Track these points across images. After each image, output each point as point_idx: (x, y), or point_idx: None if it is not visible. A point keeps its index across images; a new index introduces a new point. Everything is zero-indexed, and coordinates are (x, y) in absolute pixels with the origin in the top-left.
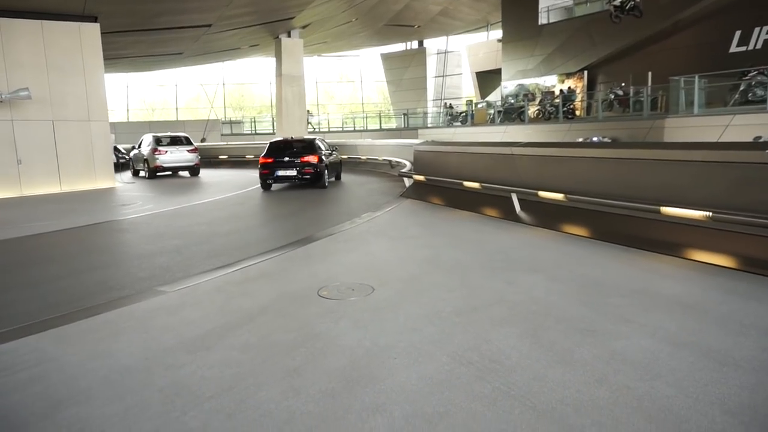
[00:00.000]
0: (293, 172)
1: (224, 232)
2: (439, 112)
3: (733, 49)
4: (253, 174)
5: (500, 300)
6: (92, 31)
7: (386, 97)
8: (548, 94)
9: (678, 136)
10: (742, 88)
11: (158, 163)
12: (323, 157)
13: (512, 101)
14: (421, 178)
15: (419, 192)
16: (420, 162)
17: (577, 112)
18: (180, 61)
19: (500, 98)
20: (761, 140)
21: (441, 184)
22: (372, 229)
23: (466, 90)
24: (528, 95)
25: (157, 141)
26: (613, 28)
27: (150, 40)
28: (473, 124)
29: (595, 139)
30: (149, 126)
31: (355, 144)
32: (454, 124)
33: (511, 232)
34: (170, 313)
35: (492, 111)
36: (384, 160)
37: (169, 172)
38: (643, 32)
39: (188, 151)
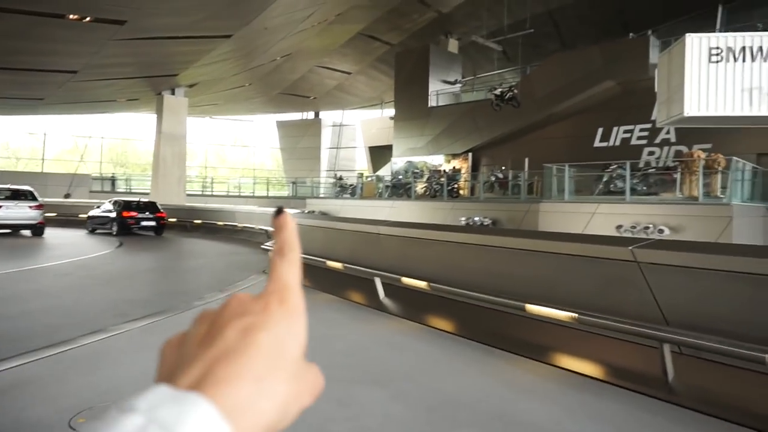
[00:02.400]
0: (153, 223)
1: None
2: (331, 183)
3: (597, 143)
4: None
5: None
6: None
7: (280, 164)
8: (435, 172)
9: (551, 219)
10: (605, 179)
11: None
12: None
13: (401, 177)
14: None
15: None
16: None
17: (462, 192)
18: (44, 108)
19: (390, 173)
20: (622, 229)
21: (305, 262)
22: None
23: (360, 163)
24: (416, 172)
25: None
26: (495, 115)
27: (2, 80)
28: (362, 197)
29: (476, 219)
30: (4, 176)
31: (233, 211)
32: (344, 195)
33: (369, 323)
34: None
35: (381, 185)
36: (260, 229)
37: (7, 230)
38: (521, 121)
39: (31, 207)
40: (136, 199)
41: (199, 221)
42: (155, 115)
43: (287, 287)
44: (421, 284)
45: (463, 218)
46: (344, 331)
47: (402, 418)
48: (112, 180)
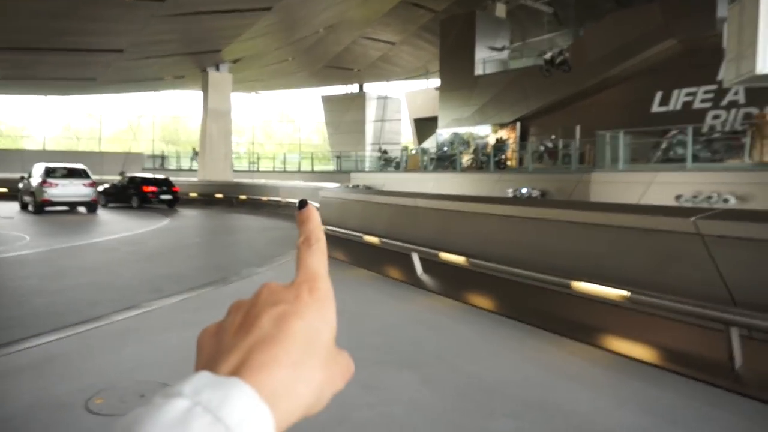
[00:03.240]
0: (170, 197)
1: (53, 290)
2: (376, 157)
3: (655, 108)
4: (156, 212)
5: (342, 420)
6: None
7: (326, 139)
8: (481, 143)
9: (604, 190)
10: (663, 146)
11: (46, 196)
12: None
13: (446, 149)
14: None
15: None
16: (325, 209)
17: (509, 163)
18: (97, 88)
19: (435, 145)
20: (682, 199)
21: (343, 237)
22: (241, 291)
23: (405, 136)
24: (462, 143)
25: (48, 172)
26: (545, 82)
27: (54, 62)
28: (406, 170)
29: (524, 190)
30: (63, 155)
31: (277, 186)
32: (388, 169)
33: (405, 301)
34: None
35: (426, 158)
36: None
37: (63, 207)
38: (573, 87)
39: (84, 185)
40: (151, 175)
41: (244, 197)
42: (201, 93)
43: (316, 276)
44: (460, 260)
45: (511, 190)
46: (379, 309)
47: (431, 405)
48: (162, 157)
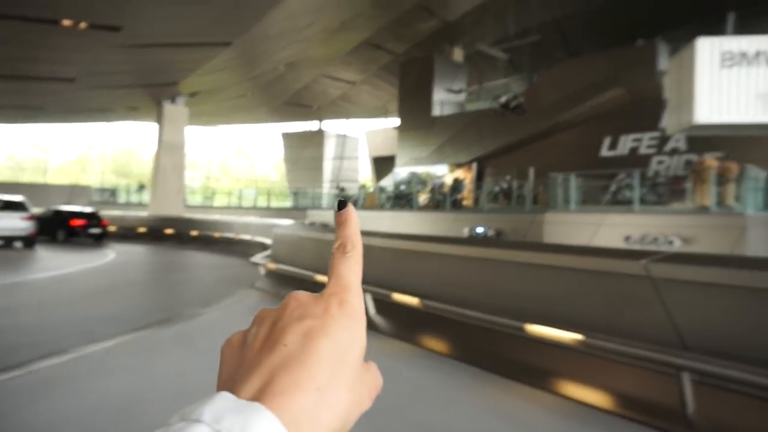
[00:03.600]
0: (98, 230)
1: None
2: (333, 194)
3: (604, 153)
4: (99, 248)
5: None
6: None
7: (284, 175)
8: (438, 182)
9: (557, 230)
10: (612, 189)
11: None
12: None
13: (403, 188)
14: (272, 266)
15: (273, 283)
16: (278, 247)
17: (465, 202)
18: (44, 117)
19: (393, 184)
20: (631, 240)
21: (295, 276)
22: (183, 334)
23: (364, 174)
24: (419, 182)
25: None
26: (500, 124)
27: None
28: (363, 208)
29: (479, 230)
30: (3, 187)
31: (231, 222)
32: None
33: None
34: None
35: (383, 196)
36: (257, 241)
37: None
38: (527, 130)
39: (22, 218)
40: (79, 209)
41: (196, 232)
42: (156, 124)
43: (348, 288)
44: (413, 300)
45: (466, 229)
46: None
47: None
48: (113, 191)
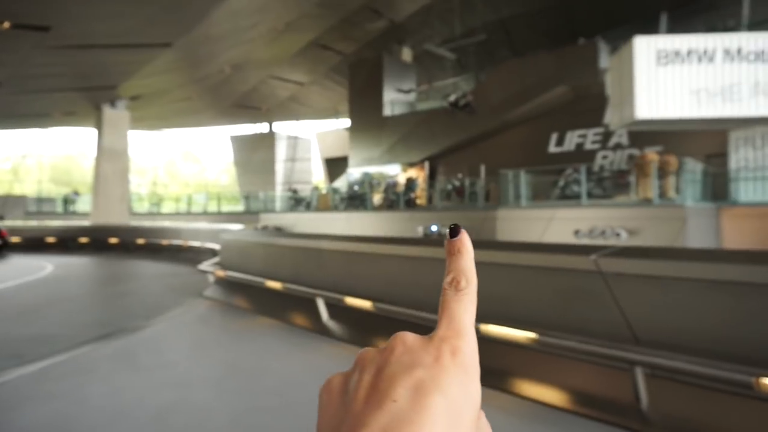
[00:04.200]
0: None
1: None
2: (286, 197)
3: (552, 149)
4: (37, 262)
5: None
6: None
7: (234, 179)
8: (391, 182)
9: (509, 226)
10: (561, 184)
11: None
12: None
13: (357, 188)
14: (221, 273)
15: (223, 291)
16: (227, 253)
17: (419, 201)
18: None
19: (346, 184)
20: (580, 234)
21: (245, 283)
22: (123, 350)
23: (317, 175)
24: (372, 183)
25: None
26: (451, 123)
27: None
28: (317, 210)
29: (434, 228)
30: None
31: (179, 229)
32: (298, 209)
33: (310, 352)
34: None
35: (336, 197)
36: (206, 247)
37: None
38: (477, 128)
39: None
40: None
41: (142, 241)
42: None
43: (461, 333)
44: (366, 304)
45: (420, 228)
46: (280, 362)
47: None
48: (51, 200)
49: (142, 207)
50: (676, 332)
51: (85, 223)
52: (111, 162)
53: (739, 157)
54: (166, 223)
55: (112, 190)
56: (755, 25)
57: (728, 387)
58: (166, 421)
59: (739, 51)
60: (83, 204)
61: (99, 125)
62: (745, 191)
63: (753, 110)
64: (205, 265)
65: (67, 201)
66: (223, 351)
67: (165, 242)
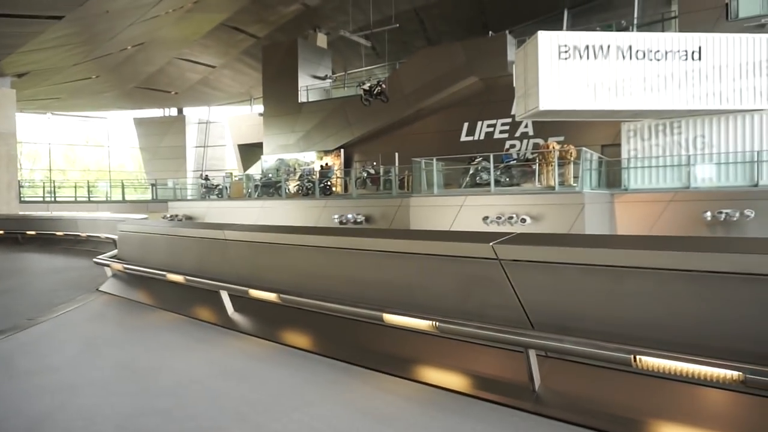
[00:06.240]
0: None
1: None
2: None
3: (463, 138)
4: None
5: None
6: None
7: (141, 165)
8: (307, 169)
9: (422, 214)
10: (471, 172)
11: None
12: None
13: (271, 176)
14: (119, 266)
15: (121, 285)
16: (125, 245)
17: (335, 189)
18: None
19: (261, 171)
20: (488, 220)
21: (145, 275)
22: (7, 350)
23: (230, 162)
24: (288, 170)
25: None
26: (366, 111)
27: None
28: (230, 198)
29: (349, 216)
30: None
31: (75, 219)
32: (210, 197)
33: (212, 346)
34: None
35: (250, 185)
36: (107, 238)
37: None
38: (391, 117)
39: None
40: None
41: (33, 232)
42: None
43: None
44: (271, 296)
45: (336, 216)
46: (179, 359)
47: None
48: None
49: (35, 194)
50: (565, 315)
51: None
52: None
53: (630, 147)
54: (64, 213)
55: None
56: (644, 26)
57: (610, 365)
58: None
59: (629, 49)
60: None
61: None
62: (634, 179)
63: (641, 104)
64: (103, 258)
65: None
66: (115, 350)
67: (60, 233)
